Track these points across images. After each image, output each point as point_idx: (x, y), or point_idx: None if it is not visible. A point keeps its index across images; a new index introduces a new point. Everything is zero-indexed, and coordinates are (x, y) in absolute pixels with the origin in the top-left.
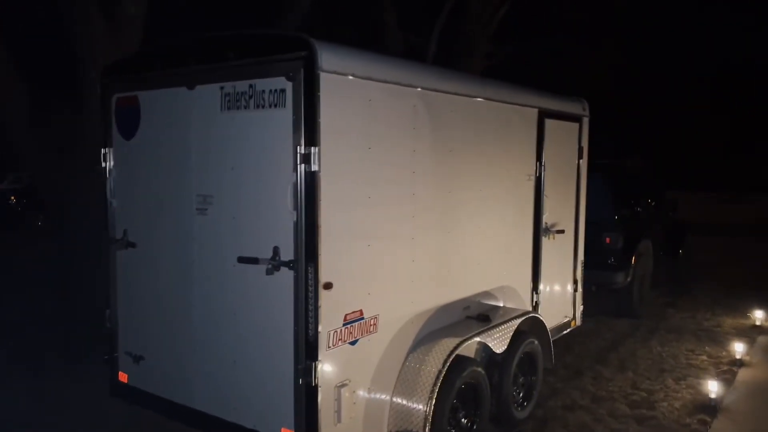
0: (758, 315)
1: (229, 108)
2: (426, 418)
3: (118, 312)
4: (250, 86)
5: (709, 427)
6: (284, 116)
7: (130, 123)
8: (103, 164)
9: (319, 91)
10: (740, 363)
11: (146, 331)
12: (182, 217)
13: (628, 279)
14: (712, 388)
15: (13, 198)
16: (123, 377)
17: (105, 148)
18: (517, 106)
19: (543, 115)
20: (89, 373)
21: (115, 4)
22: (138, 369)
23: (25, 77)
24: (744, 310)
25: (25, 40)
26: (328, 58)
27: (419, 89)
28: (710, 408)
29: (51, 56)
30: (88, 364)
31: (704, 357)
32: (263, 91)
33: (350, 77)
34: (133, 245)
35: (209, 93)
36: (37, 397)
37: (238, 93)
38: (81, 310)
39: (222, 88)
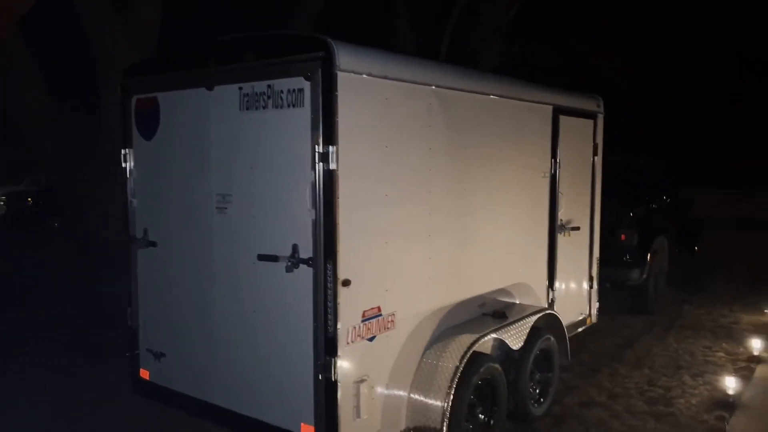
0: None
1: (247, 108)
2: (444, 414)
3: (140, 310)
4: (269, 86)
5: (727, 423)
6: (302, 115)
7: (150, 123)
8: (124, 164)
9: (336, 90)
10: (758, 360)
11: (167, 329)
12: (202, 216)
13: (644, 276)
14: (730, 384)
15: (29, 200)
16: (144, 374)
17: (125, 148)
18: (532, 103)
19: (558, 112)
20: (111, 371)
21: (131, 9)
22: (159, 366)
23: (46, 79)
24: (761, 307)
25: (45, 43)
26: (345, 58)
27: (434, 87)
28: (728, 404)
29: (70, 58)
30: (109, 361)
31: (721, 354)
32: (281, 91)
33: (367, 76)
34: (153, 244)
35: (228, 93)
36: (58, 395)
37: (256, 93)
38: (101, 309)
39: (241, 88)
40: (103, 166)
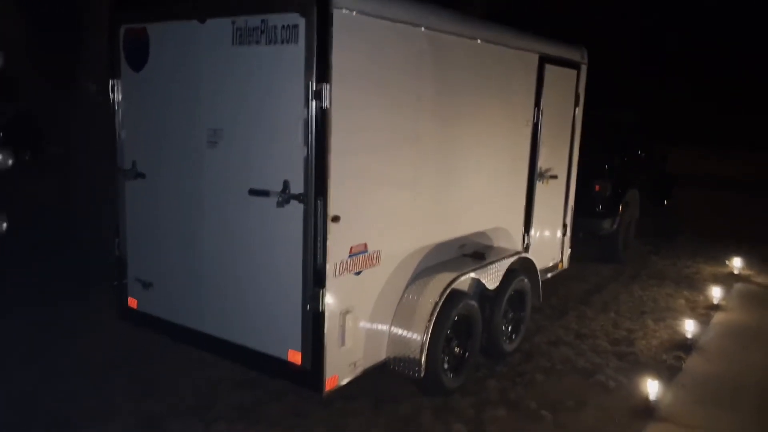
0: (736, 264)
1: (240, 43)
2: (422, 346)
3: (128, 241)
4: (263, 21)
5: (684, 362)
6: (296, 52)
7: (139, 55)
8: (111, 95)
9: (332, 27)
10: (716, 307)
11: (156, 259)
12: (192, 150)
13: (615, 226)
14: (689, 328)
15: None
16: (132, 303)
17: (113, 79)
18: (520, 51)
19: (543, 60)
20: (96, 300)
21: None
22: (147, 295)
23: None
24: (723, 259)
25: None
26: None
27: (425, 29)
28: (686, 346)
29: None
30: (94, 291)
31: (682, 301)
32: (275, 27)
33: (362, 15)
34: (142, 176)
35: (220, 27)
36: (46, 323)
37: (249, 28)
38: (86, 239)
39: (233, 22)
40: (89, 97)
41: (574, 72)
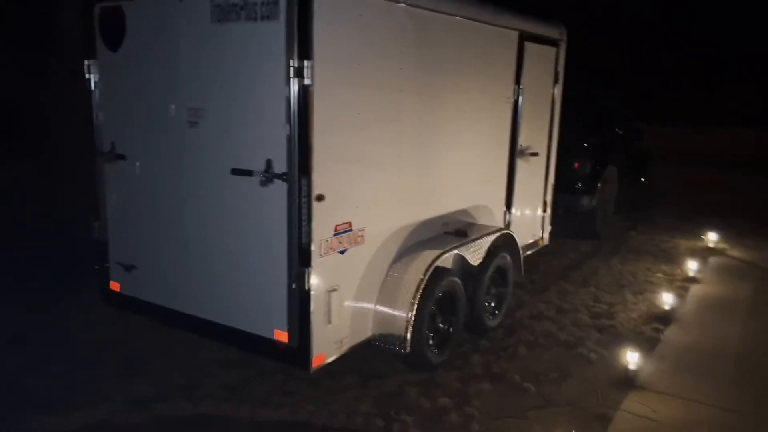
0: (711, 238)
1: (220, 20)
2: (408, 323)
3: (108, 224)
4: None
5: (662, 334)
6: (277, 29)
7: (115, 34)
8: (87, 76)
9: (313, 3)
10: (693, 280)
11: (138, 242)
12: (173, 130)
13: (594, 203)
14: (666, 301)
15: None
16: (115, 286)
17: (89, 59)
18: (500, 28)
19: (523, 38)
20: (80, 284)
21: None
22: (130, 278)
23: None
24: (699, 234)
25: None
26: None
27: (406, 5)
28: (664, 318)
29: None
30: (78, 275)
31: (660, 275)
32: (255, 3)
33: None
34: (122, 157)
35: (199, 4)
36: (30, 309)
37: (229, 4)
38: (64, 223)
39: None
40: (64, 77)
41: (553, 49)
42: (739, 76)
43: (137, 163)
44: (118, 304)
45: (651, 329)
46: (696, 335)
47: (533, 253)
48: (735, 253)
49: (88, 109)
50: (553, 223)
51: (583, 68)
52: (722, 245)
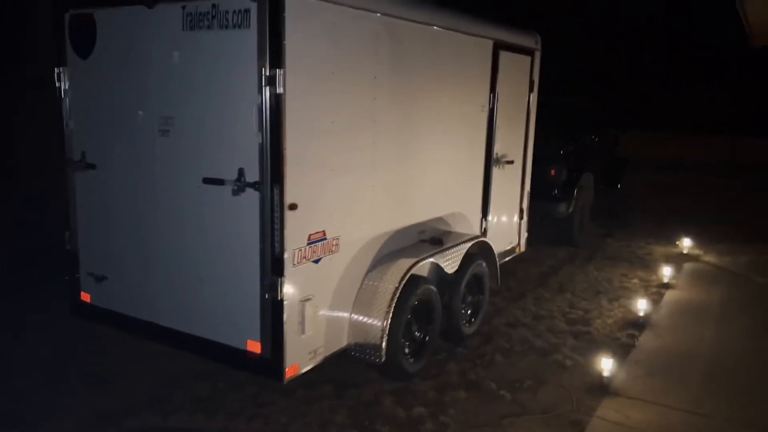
0: (686, 244)
1: (191, 28)
2: (383, 331)
3: (79, 234)
4: (213, 6)
5: (637, 340)
6: (249, 37)
7: (85, 42)
8: (57, 84)
9: (284, 11)
10: (667, 286)
11: (109, 252)
12: (144, 139)
13: (570, 210)
14: (641, 307)
15: None
16: (85, 297)
17: (59, 67)
18: (474, 37)
19: (498, 47)
20: (47, 295)
21: None
22: (101, 289)
23: None
24: (673, 240)
25: None
26: None
27: (380, 15)
28: (639, 324)
29: None
30: (45, 286)
31: (636, 281)
32: (227, 12)
33: None
34: (92, 167)
35: (170, 12)
36: None
37: (200, 13)
38: (36, 234)
39: (184, 7)
40: (33, 85)
41: (528, 58)
42: (715, 83)
43: (108, 173)
44: (89, 316)
45: (626, 335)
46: (670, 340)
47: (510, 260)
48: (709, 258)
49: (58, 117)
50: (529, 230)
51: (559, 75)
52: (696, 251)
